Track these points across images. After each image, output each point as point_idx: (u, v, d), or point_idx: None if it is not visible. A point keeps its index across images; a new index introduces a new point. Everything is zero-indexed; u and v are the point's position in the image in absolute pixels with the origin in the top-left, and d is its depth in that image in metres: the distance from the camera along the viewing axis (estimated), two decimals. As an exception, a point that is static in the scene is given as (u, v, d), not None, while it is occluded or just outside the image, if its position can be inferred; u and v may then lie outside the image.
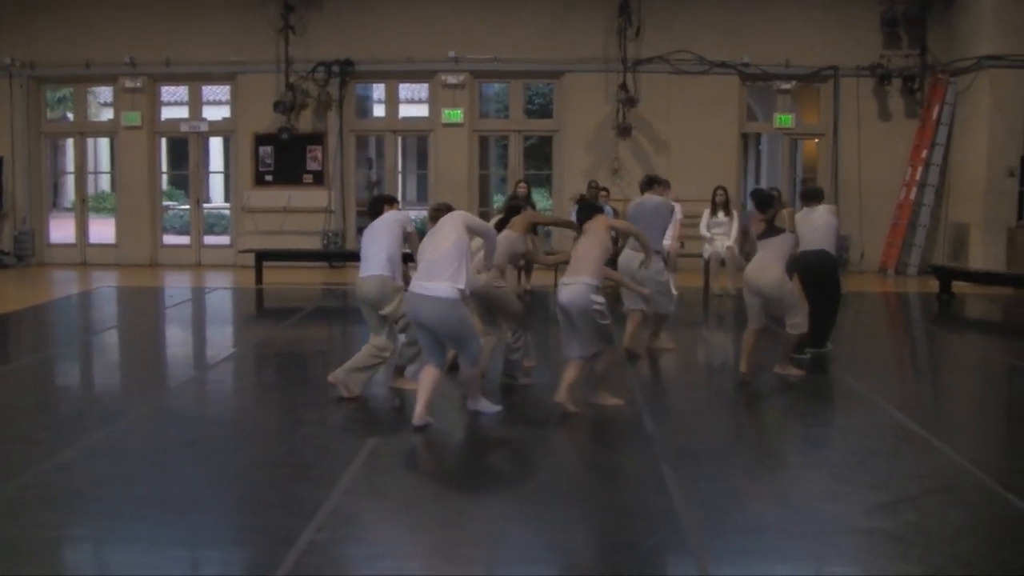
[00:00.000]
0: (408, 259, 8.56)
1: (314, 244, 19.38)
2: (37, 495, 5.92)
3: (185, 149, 21.12)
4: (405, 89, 21.87)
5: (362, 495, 5.94)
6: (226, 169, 23.78)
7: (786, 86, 19.27)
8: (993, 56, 17.26)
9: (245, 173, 19.79)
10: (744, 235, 9.77)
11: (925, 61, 18.76)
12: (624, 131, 18.63)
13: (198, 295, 16.33)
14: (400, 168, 24.06)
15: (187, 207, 21.85)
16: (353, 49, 19.18)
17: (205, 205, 21.59)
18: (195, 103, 20.51)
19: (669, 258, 12.43)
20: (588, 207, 8.45)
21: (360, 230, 19.20)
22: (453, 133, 19.45)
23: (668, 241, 12.47)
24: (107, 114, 23.65)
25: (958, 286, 15.62)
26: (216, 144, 26.95)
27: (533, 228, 9.99)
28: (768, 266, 9.07)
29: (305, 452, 7.01)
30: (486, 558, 5.17)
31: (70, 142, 23.00)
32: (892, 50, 18.85)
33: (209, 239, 21.57)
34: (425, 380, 7.56)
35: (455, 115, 19.32)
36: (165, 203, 25.90)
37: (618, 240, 9.55)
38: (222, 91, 21.21)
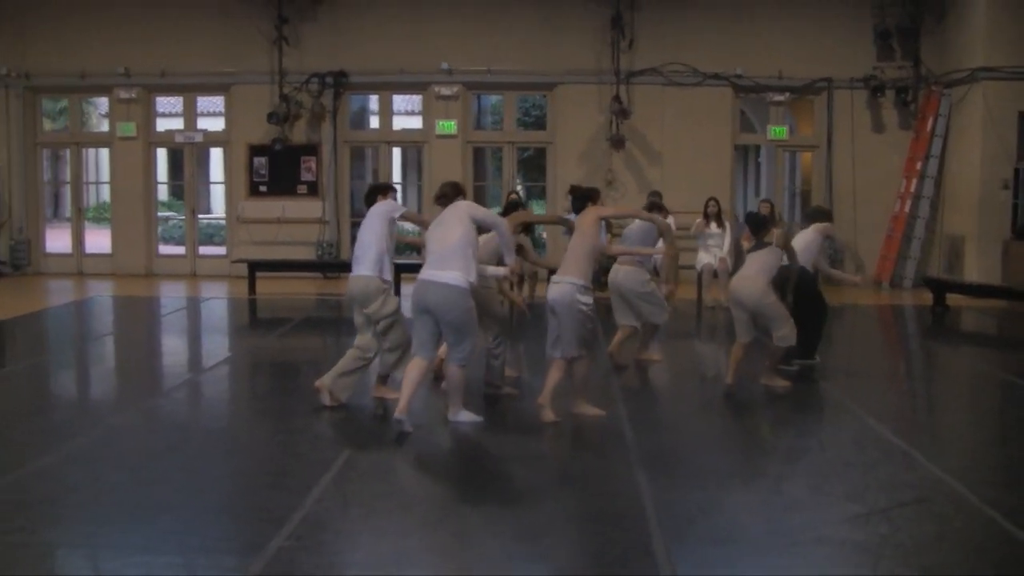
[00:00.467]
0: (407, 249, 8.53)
1: (309, 254, 19.39)
2: (13, 500, 5.94)
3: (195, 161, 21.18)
4: (400, 101, 21.89)
5: (334, 503, 5.92)
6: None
7: (779, 98, 19.31)
8: (986, 68, 17.27)
9: (239, 184, 19.82)
10: (737, 247, 9.79)
11: (919, 73, 18.77)
12: (618, 143, 18.64)
13: (189, 305, 16.31)
14: (399, 179, 24.06)
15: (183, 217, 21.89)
16: (347, 60, 19.23)
17: (204, 216, 21.62)
18: (190, 114, 20.54)
19: (660, 268, 12.42)
20: (580, 196, 8.40)
21: (354, 241, 19.23)
22: (447, 145, 19.47)
23: (658, 256, 12.48)
24: (106, 125, 23.70)
25: (953, 299, 15.58)
26: (216, 155, 26.98)
27: (525, 229, 9.89)
28: (751, 277, 9.08)
29: (282, 460, 7.01)
30: (451, 567, 5.16)
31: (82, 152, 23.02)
32: (885, 62, 18.86)
33: (205, 249, 21.59)
34: (412, 373, 7.60)
35: (449, 127, 19.35)
36: (164, 213, 26.04)
37: (611, 227, 9.22)
38: (217, 102, 21.25)
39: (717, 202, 15.63)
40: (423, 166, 20.53)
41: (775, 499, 6.15)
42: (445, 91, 19.38)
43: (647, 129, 18.97)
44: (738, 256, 9.68)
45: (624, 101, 18.64)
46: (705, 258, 15.51)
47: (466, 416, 7.80)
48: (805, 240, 10.30)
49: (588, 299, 7.80)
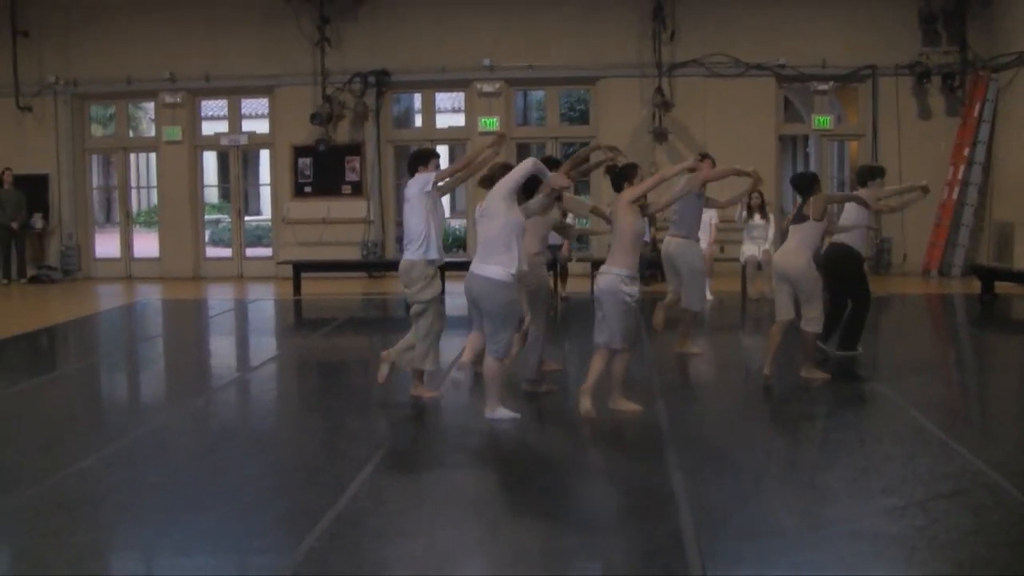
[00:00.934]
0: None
1: (354, 254, 19.48)
2: (54, 502, 6.04)
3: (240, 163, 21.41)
4: (443, 98, 21.93)
5: (368, 502, 5.95)
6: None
7: (823, 87, 19.09)
8: (1034, 52, 16.99)
9: (284, 185, 19.98)
10: (784, 236, 9.70)
11: (965, 58, 18.48)
12: (660, 135, 18.55)
13: (234, 307, 16.48)
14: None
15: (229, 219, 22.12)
16: (388, 59, 19.31)
17: (252, 218, 21.81)
18: (234, 117, 20.74)
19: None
20: (616, 176, 8.20)
21: (399, 240, 19.34)
22: (490, 141, 19.43)
23: (704, 245, 12.49)
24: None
25: (1002, 286, 15.33)
26: (266, 157, 27.22)
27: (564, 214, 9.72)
28: (792, 251, 9.07)
29: (319, 459, 7.08)
30: (484, 564, 5.18)
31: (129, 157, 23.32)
32: (931, 47, 18.58)
33: (252, 251, 21.80)
34: (475, 338, 7.94)
35: (491, 123, 19.35)
36: (214, 216, 26.33)
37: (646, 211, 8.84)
38: (261, 104, 21.44)
39: (761, 193, 15.47)
40: (466, 163, 20.49)
41: (810, 493, 6.09)
42: (487, 88, 19.39)
43: (689, 121, 18.86)
44: (782, 241, 9.58)
45: (666, 93, 18.56)
46: (749, 250, 15.40)
47: (503, 413, 7.79)
48: (852, 217, 10.16)
49: (633, 289, 7.80)
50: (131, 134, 23.52)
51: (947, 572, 4.87)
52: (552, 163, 8.72)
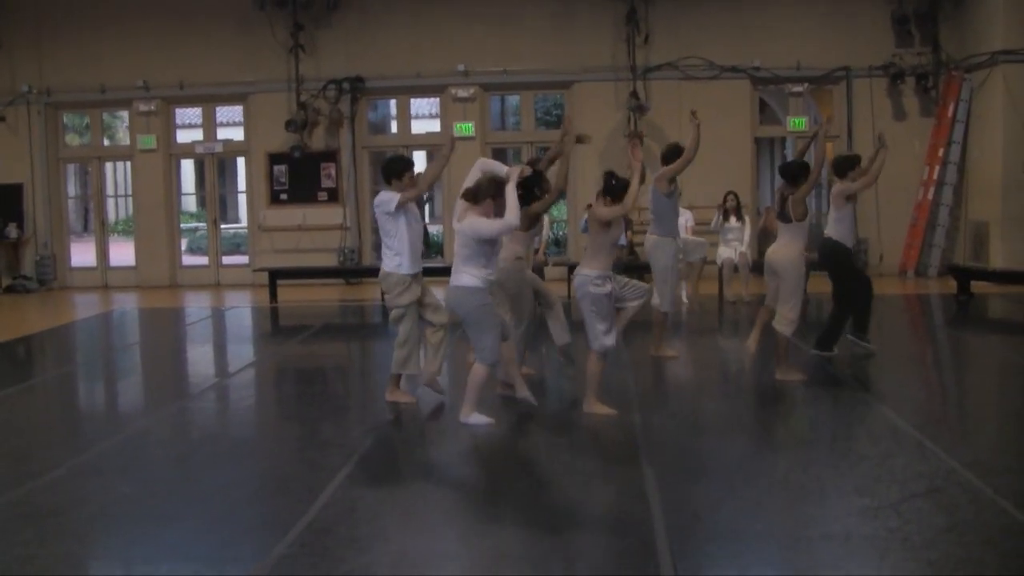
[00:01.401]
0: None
1: (331, 261, 19.42)
2: (22, 513, 5.97)
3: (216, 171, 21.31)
4: (418, 104, 21.90)
5: (339, 509, 5.90)
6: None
7: (798, 89, 19.16)
8: (1006, 51, 17.09)
9: (260, 192, 19.91)
10: (763, 235, 9.73)
11: (938, 58, 18.60)
12: (635, 139, 18.52)
13: (210, 315, 16.38)
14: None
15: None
16: (363, 66, 19.28)
17: (229, 225, 21.73)
18: (209, 124, 20.65)
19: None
20: (611, 188, 7.93)
21: (375, 247, 19.30)
22: (465, 147, 19.39)
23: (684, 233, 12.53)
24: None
25: (979, 286, 15.39)
26: (243, 164, 27.14)
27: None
28: (784, 245, 9.17)
29: (291, 467, 7.00)
30: (454, 569, 5.14)
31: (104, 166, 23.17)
32: (904, 48, 18.71)
33: (229, 259, 21.71)
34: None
35: (466, 128, 19.33)
36: (192, 224, 26.21)
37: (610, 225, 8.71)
38: (236, 112, 21.36)
39: (736, 196, 15.53)
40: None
41: (783, 494, 6.07)
42: (462, 93, 19.38)
43: (665, 124, 18.87)
44: (763, 241, 9.63)
45: (641, 97, 18.58)
46: (725, 252, 15.40)
47: (477, 419, 7.77)
48: (837, 212, 10.18)
49: (606, 289, 7.87)
50: (108, 143, 23.41)
51: (920, 572, 4.86)
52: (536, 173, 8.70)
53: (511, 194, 7.43)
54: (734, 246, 15.33)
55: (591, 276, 7.86)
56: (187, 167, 29.21)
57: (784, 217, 9.18)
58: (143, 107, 19.88)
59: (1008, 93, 17.10)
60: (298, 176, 19.63)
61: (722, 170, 18.03)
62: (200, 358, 12.77)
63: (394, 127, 21.16)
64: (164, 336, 14.35)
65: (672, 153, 10.30)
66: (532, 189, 8.29)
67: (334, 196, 19.69)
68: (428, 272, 8.97)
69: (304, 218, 19.59)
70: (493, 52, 19.21)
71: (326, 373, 11.25)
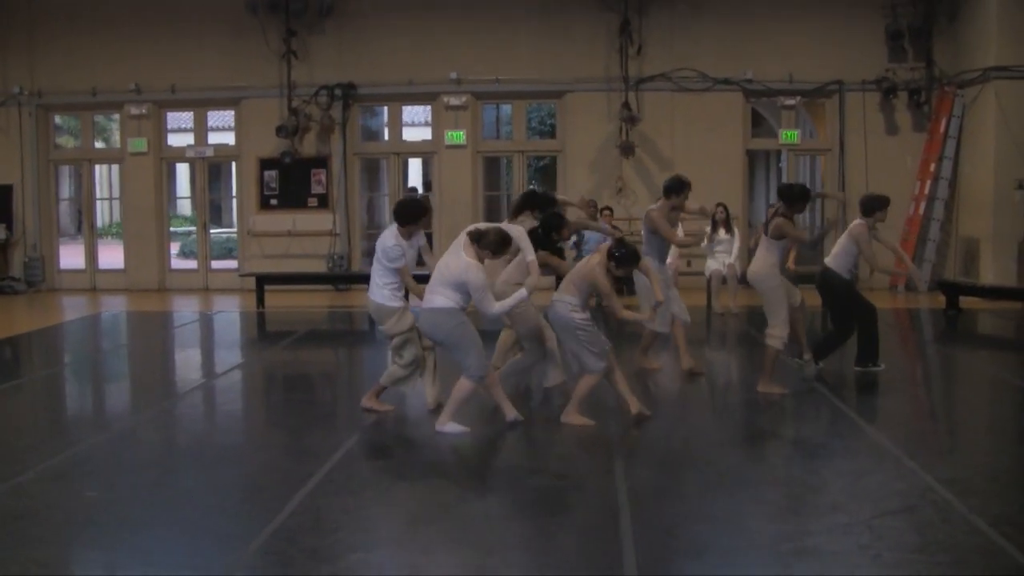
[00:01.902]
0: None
1: (320, 267, 19.36)
2: (-12, 517, 5.90)
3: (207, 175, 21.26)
4: (410, 111, 21.87)
5: (305, 519, 5.82)
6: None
7: (790, 102, 19.13)
8: (999, 67, 17.06)
9: (251, 197, 19.85)
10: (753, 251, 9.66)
11: (931, 74, 18.57)
12: (627, 150, 18.53)
13: (197, 319, 16.31)
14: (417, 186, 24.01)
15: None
16: (355, 72, 19.25)
17: (219, 230, 21.66)
18: (200, 129, 20.60)
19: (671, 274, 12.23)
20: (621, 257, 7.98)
21: (365, 253, 19.25)
22: (456, 155, 19.42)
23: (671, 259, 12.36)
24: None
25: (968, 301, 15.35)
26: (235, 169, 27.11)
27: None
28: (760, 258, 9.20)
29: (260, 475, 6.93)
30: (418, 583, 5.08)
31: (94, 168, 23.13)
32: (897, 63, 18.68)
33: (219, 263, 21.64)
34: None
35: (458, 137, 19.29)
36: (183, 228, 26.14)
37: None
38: (228, 116, 21.32)
39: (725, 208, 15.48)
40: (433, 176, 20.48)
41: (757, 509, 5.99)
42: (454, 101, 19.34)
43: (657, 135, 18.86)
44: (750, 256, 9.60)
45: (633, 108, 18.54)
46: (714, 264, 15.36)
47: (452, 428, 7.73)
48: (841, 244, 9.94)
49: (584, 316, 7.88)
50: (101, 145, 23.35)
51: (888, 590, 4.80)
52: (551, 209, 8.90)
53: (502, 304, 7.69)
54: (722, 258, 15.29)
55: (572, 302, 7.84)
56: (182, 171, 29.21)
57: (766, 231, 9.17)
58: (135, 110, 19.83)
59: (1000, 110, 17.07)
60: (289, 182, 19.58)
61: (714, 182, 17.98)
62: (183, 363, 12.70)
63: (386, 134, 21.12)
64: (151, 339, 14.28)
65: (675, 186, 10.12)
66: (550, 233, 8.66)
67: (324, 202, 19.63)
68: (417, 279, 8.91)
69: (294, 224, 19.53)
70: (486, 61, 19.17)
71: (307, 379, 11.19)
